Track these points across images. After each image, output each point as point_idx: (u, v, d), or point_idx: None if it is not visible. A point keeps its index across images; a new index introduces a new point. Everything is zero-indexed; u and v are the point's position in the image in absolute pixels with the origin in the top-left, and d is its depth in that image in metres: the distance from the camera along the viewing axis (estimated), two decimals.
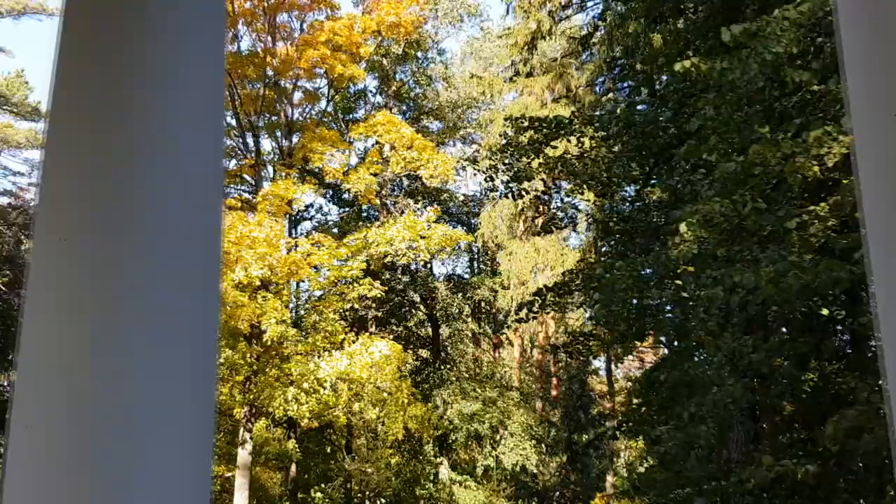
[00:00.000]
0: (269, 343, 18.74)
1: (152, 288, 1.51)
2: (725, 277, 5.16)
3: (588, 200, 10.81)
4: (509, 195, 10.85)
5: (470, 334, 29.13)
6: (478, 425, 25.90)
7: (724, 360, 5.81)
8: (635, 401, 18.02)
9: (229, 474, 21.72)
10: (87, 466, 1.39)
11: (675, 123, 7.82)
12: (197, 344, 1.55)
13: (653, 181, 8.97)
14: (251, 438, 20.54)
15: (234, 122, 23.43)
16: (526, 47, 23.42)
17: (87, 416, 1.42)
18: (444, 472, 26.25)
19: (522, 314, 11.40)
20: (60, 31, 1.92)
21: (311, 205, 27.81)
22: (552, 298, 10.31)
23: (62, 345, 1.49)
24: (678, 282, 6.49)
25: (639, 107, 10.34)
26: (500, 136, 10.94)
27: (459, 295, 27.16)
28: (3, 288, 32.18)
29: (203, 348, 1.57)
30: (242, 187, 27.29)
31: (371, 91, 27.73)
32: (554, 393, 29.46)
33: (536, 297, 10.70)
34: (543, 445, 23.82)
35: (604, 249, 13.26)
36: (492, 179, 10.94)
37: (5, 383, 41.06)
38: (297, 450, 21.15)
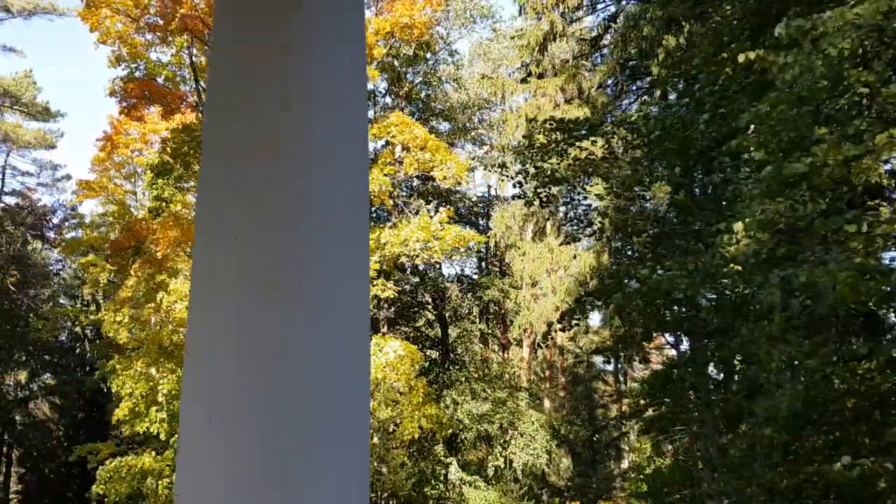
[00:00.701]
0: None
1: (311, 287, 1.56)
2: (793, 278, 5.19)
3: (610, 202, 10.81)
4: (537, 200, 10.89)
5: (478, 334, 29.18)
6: (487, 425, 25.95)
7: (784, 364, 5.84)
8: (643, 401, 18.21)
9: None
10: (258, 454, 1.45)
11: (713, 126, 7.87)
12: (353, 335, 1.61)
13: (682, 183, 9.05)
14: None
15: None
16: (538, 48, 23.51)
17: (259, 408, 1.48)
18: (454, 472, 26.30)
19: (566, 322, 11.47)
20: (213, 41, 1.99)
21: None
22: (593, 304, 10.33)
23: (229, 341, 1.55)
24: (725, 280, 6.54)
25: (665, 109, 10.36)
26: (525, 137, 10.94)
27: (469, 295, 27.22)
28: (12, 288, 32.17)
29: (358, 339, 1.63)
30: None
31: (380, 92, 27.80)
32: (562, 394, 29.49)
33: (578, 304, 10.73)
34: (566, 445, 23.83)
35: (629, 252, 13.26)
36: (521, 185, 10.97)
37: (10, 382, 41.08)
38: None
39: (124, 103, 22.72)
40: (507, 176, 12.26)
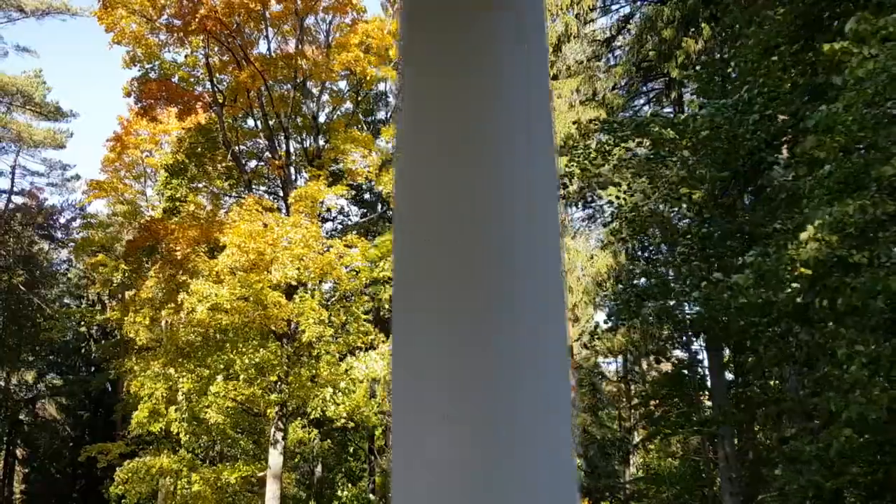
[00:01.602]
0: (305, 343, 18.83)
1: (511, 288, 1.62)
2: (872, 282, 5.24)
3: (657, 203, 10.82)
4: (581, 202, 10.98)
5: None
6: None
7: (864, 365, 5.87)
8: (653, 402, 18.41)
9: (261, 474, 21.83)
10: (471, 464, 1.50)
11: (762, 126, 7.94)
12: (550, 338, 1.66)
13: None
14: (283, 438, 20.67)
15: (261, 124, 23.57)
16: (551, 50, 23.58)
17: (467, 416, 1.53)
18: None
19: (614, 322, 11.57)
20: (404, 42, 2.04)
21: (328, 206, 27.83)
22: (637, 305, 10.34)
23: (434, 344, 1.60)
24: (796, 284, 6.57)
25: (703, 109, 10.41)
26: (570, 138, 10.95)
27: None
28: (23, 287, 32.15)
29: (556, 341, 1.68)
30: (262, 188, 27.35)
31: (391, 93, 27.89)
32: (573, 394, 29.58)
33: (626, 306, 10.76)
34: (596, 445, 23.93)
35: (649, 253, 13.33)
36: (566, 186, 11.02)
37: (15, 382, 41.03)
38: (333, 450, 21.27)
39: (141, 104, 22.70)
40: None
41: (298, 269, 18.46)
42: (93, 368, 41.39)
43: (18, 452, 41.48)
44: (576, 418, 27.65)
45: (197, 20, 19.54)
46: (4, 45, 29.34)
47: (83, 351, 42.24)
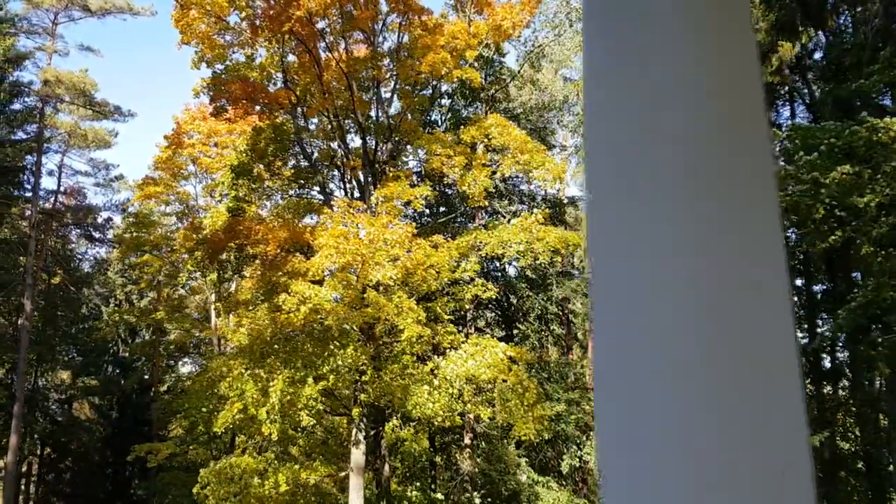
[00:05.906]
0: (405, 342, 18.80)
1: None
2: None
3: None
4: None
5: (547, 335, 29.39)
6: (564, 426, 26.20)
7: None
8: None
9: (342, 473, 21.88)
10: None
11: None
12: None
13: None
14: (367, 439, 20.73)
15: (333, 125, 23.56)
16: None
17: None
18: (526, 472, 26.53)
19: None
20: None
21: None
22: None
23: None
24: None
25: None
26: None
27: (541, 296, 27.42)
28: (72, 288, 31.91)
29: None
30: (316, 189, 27.36)
31: (447, 93, 27.99)
32: None
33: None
34: None
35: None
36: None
37: (46, 377, 40.80)
38: (430, 449, 21.34)
39: (216, 103, 22.58)
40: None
41: (396, 269, 18.50)
42: (118, 370, 41.24)
43: (48, 451, 41.30)
44: None
45: (291, 21, 19.45)
46: (66, 44, 29.09)
47: (112, 351, 42.09)
